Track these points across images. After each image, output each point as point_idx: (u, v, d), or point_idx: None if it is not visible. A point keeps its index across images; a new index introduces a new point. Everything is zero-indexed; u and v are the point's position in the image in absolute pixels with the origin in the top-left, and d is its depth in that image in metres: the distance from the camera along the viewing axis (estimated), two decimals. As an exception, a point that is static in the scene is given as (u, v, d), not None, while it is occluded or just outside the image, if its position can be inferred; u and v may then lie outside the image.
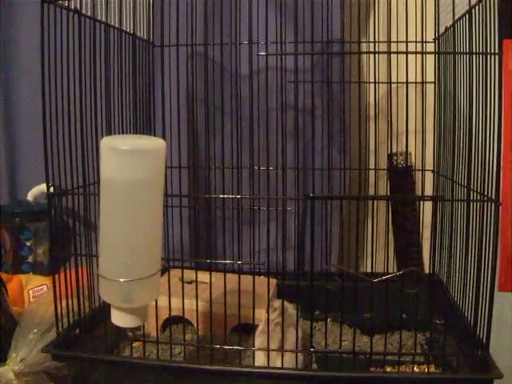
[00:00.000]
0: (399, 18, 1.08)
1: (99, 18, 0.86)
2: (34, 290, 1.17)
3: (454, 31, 0.94)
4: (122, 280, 0.69)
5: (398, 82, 0.91)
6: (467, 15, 0.86)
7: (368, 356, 0.83)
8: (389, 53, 0.76)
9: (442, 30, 1.07)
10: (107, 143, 0.68)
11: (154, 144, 0.71)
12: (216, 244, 1.09)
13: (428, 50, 1.11)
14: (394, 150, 1.21)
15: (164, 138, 0.86)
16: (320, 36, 1.16)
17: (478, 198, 0.79)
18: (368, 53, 1.19)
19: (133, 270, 0.70)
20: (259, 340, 0.88)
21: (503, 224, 1.20)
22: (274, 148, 1.15)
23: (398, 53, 0.79)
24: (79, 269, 0.87)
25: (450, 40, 0.99)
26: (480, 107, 0.79)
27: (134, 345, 0.93)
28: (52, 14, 0.81)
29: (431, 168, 1.15)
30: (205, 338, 0.97)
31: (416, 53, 0.81)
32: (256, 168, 0.86)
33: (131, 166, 0.67)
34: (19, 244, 1.30)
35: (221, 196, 0.87)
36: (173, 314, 0.90)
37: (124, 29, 0.97)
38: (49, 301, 0.92)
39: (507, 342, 1.19)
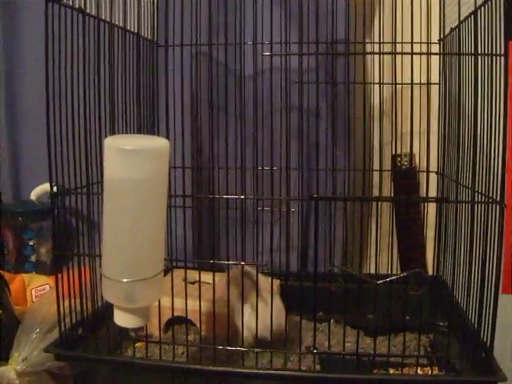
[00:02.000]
0: (404, 18, 1.07)
1: (103, 17, 0.86)
2: (36, 290, 1.17)
3: (459, 32, 0.93)
4: (125, 280, 0.69)
5: (402, 83, 0.90)
6: (472, 16, 0.86)
7: (371, 358, 0.83)
8: (394, 53, 0.76)
9: (447, 30, 1.07)
10: (111, 143, 0.68)
11: (158, 144, 0.70)
12: (219, 244, 1.08)
13: (433, 50, 1.10)
14: (399, 151, 1.21)
15: (168, 137, 0.86)
16: (325, 36, 1.16)
17: (483, 199, 0.78)
18: (373, 53, 1.18)
19: (136, 270, 0.70)
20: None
21: (508, 226, 1.19)
22: (277, 148, 1.15)
23: (402, 53, 0.78)
24: (82, 268, 0.87)
25: (455, 41, 0.99)
26: (485, 108, 0.78)
27: (136, 345, 0.93)
28: (56, 13, 0.81)
29: (435, 169, 1.15)
30: (207, 338, 0.97)
31: (421, 54, 0.80)
32: (260, 168, 0.86)
33: (135, 165, 0.67)
34: (22, 243, 1.30)
35: (224, 196, 0.86)
36: (176, 314, 0.90)
37: (128, 28, 0.97)
38: (51, 300, 0.92)
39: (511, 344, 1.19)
